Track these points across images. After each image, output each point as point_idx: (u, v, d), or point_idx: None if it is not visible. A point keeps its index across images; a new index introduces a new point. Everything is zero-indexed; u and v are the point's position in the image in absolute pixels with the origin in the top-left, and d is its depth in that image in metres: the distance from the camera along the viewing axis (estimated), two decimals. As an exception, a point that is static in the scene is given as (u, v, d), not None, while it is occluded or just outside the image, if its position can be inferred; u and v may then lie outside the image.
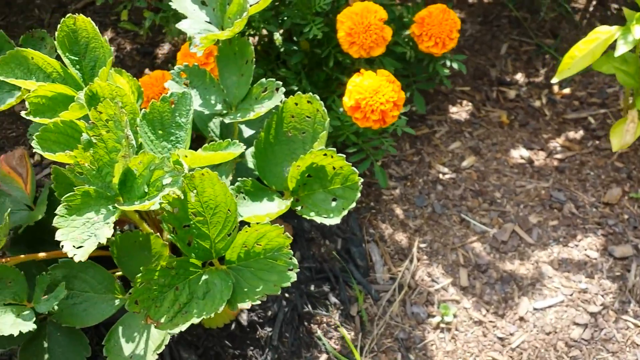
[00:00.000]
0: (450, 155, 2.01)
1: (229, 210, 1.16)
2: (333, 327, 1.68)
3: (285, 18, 1.69)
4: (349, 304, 1.71)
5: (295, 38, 1.77)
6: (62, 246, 1.10)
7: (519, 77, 2.25)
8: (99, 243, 1.08)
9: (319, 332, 1.65)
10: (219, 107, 1.39)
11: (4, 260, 1.43)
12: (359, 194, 1.22)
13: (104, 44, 1.32)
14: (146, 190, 1.12)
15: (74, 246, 1.10)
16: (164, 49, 2.38)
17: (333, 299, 1.71)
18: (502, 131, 2.08)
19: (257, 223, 1.17)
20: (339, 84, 1.81)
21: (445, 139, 2.05)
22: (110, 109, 1.14)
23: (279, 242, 1.18)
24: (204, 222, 1.18)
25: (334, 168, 1.25)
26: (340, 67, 1.81)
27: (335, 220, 1.23)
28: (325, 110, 1.29)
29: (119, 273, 1.48)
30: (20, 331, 1.29)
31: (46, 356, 1.50)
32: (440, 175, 1.96)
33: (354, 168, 1.23)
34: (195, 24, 1.41)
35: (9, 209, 1.42)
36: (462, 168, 1.97)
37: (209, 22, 1.44)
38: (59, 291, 1.37)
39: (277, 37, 1.82)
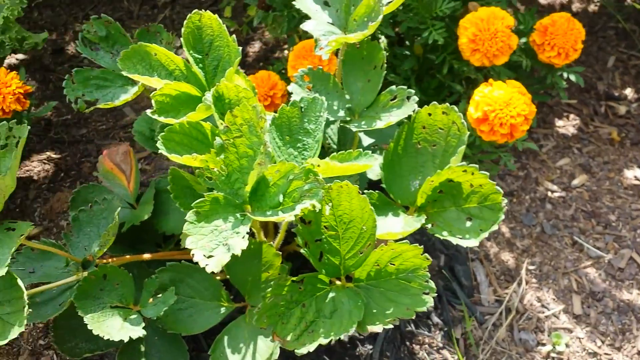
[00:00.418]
0: (558, 172, 1.90)
1: (363, 226, 1.08)
2: (435, 348, 1.59)
3: (402, 21, 1.60)
4: (452, 325, 1.62)
5: (407, 42, 1.68)
6: (193, 255, 1.04)
7: (629, 92, 2.12)
8: (232, 255, 1.01)
9: (422, 353, 1.56)
10: (341, 113, 1.32)
11: (110, 260, 1.39)
12: (502, 216, 1.13)
13: (230, 42, 1.25)
14: (280, 200, 1.05)
15: (204, 255, 1.04)
16: (255, 47, 2.33)
17: (435, 319, 1.62)
18: (613, 149, 1.95)
19: (393, 241, 1.09)
20: (449, 92, 1.72)
21: (553, 154, 1.94)
22: (246, 112, 1.08)
23: (415, 263, 1.10)
24: (336, 237, 1.10)
25: (471, 185, 1.16)
26: (452, 75, 1.72)
27: (472, 243, 1.14)
28: (464, 123, 1.20)
29: (218, 277, 1.42)
30: (130, 337, 1.25)
31: (143, 360, 1.45)
32: (549, 193, 1.85)
33: (497, 187, 1.13)
34: (320, 25, 1.34)
35: (119, 208, 1.38)
36: (572, 187, 1.85)
37: (331, 24, 1.37)
38: (167, 296, 1.32)
39: (383, 40, 1.74)
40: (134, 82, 1.41)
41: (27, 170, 1.93)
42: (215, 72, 1.29)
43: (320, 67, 1.33)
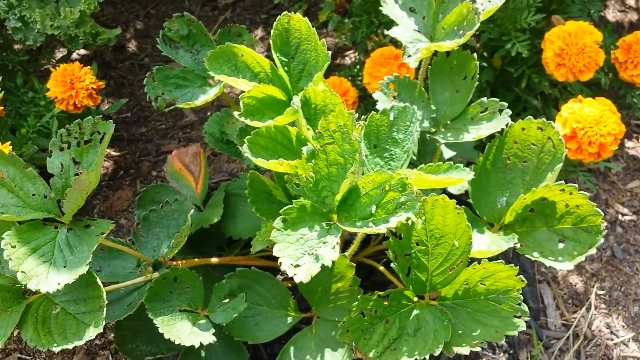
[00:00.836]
0: (629, 195, 1.83)
1: (455, 242, 1.04)
2: (500, 371, 1.53)
3: (482, 32, 1.56)
4: (517, 348, 1.57)
5: (485, 54, 1.64)
6: (281, 263, 1.01)
7: (702, 115, 2.04)
8: (322, 265, 0.98)
9: (488, 376, 1.51)
10: (426, 124, 1.28)
11: (179, 263, 1.36)
12: (600, 239, 1.08)
13: (319, 46, 1.22)
14: (372, 212, 1.01)
15: (291, 264, 1.00)
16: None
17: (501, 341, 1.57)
18: (686, 174, 1.88)
19: (486, 259, 1.04)
20: (524, 106, 1.67)
21: (623, 175, 1.88)
22: (341, 119, 1.05)
23: (508, 284, 1.05)
24: (425, 253, 1.06)
25: (566, 205, 1.11)
26: (527, 89, 1.67)
27: (566, 266, 1.09)
28: (562, 140, 1.15)
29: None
30: (201, 342, 1.22)
31: (203, 366, 1.42)
32: (620, 216, 1.78)
33: (597, 209, 1.08)
34: (407, 32, 1.30)
35: (192, 210, 1.35)
36: (644, 211, 1.79)
37: (417, 31, 1.33)
38: (237, 303, 1.29)
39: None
40: (211, 83, 1.39)
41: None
42: (300, 76, 1.26)
43: (407, 75, 1.29)
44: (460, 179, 1.07)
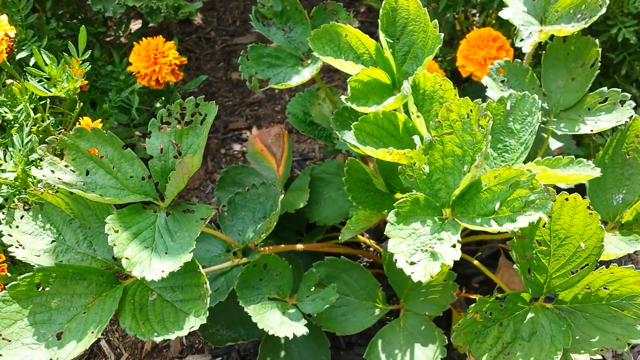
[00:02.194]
0: None
1: (581, 244, 0.98)
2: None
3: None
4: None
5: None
6: (396, 260, 0.95)
7: None
8: (442, 265, 0.92)
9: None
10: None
11: (266, 249, 1.32)
12: None
13: (429, 28, 1.15)
14: (495, 209, 0.95)
15: (406, 262, 0.95)
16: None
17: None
18: None
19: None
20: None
21: None
22: (464, 108, 0.98)
23: (634, 290, 0.99)
24: (546, 254, 1.00)
25: (695, 208, 1.04)
26: (626, 77, 1.58)
27: (694, 272, 1.02)
28: (694, 137, 1.07)
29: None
30: (294, 334, 1.18)
31: (282, 353, 1.39)
32: None
33: None
34: (518, 14, 1.22)
35: (281, 195, 1.31)
36: None
37: (527, 12, 1.25)
38: (328, 293, 1.24)
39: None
40: (304, 63, 1.33)
41: (157, 142, 1.87)
42: (404, 59, 1.20)
43: (519, 60, 1.22)
44: (588, 176, 1.00)
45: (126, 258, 0.99)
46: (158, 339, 1.02)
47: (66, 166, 1.08)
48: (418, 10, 1.17)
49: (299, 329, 1.19)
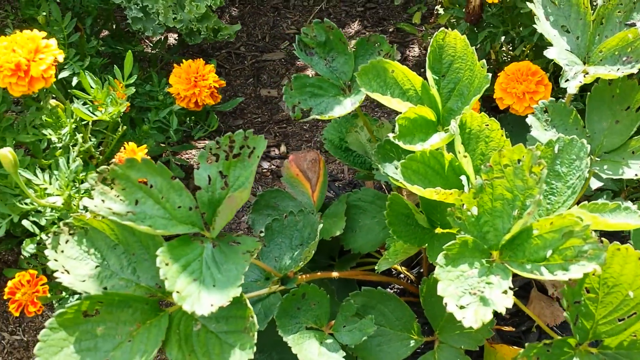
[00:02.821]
0: None
1: (630, 293, 0.98)
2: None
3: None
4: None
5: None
6: (446, 304, 0.96)
7: None
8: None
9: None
10: (578, 153, 1.21)
11: (304, 277, 1.33)
12: None
13: (477, 67, 1.16)
14: (546, 256, 0.96)
15: (456, 305, 0.96)
16: (414, 51, 2.23)
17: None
18: None
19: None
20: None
21: None
22: (517, 154, 0.99)
23: (679, 340, 0.99)
24: (594, 301, 1.01)
25: None
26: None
27: None
28: None
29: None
30: None
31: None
32: None
33: None
34: (562, 53, 1.23)
35: (320, 224, 1.32)
36: None
37: (570, 51, 1.26)
38: (366, 324, 1.25)
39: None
40: (345, 93, 1.34)
41: (188, 158, 1.89)
42: (449, 96, 1.21)
43: (563, 100, 1.22)
44: (636, 225, 1.01)
45: (177, 292, 1.00)
46: (204, 372, 1.03)
47: (117, 196, 1.09)
48: (465, 49, 1.18)
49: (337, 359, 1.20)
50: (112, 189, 1.10)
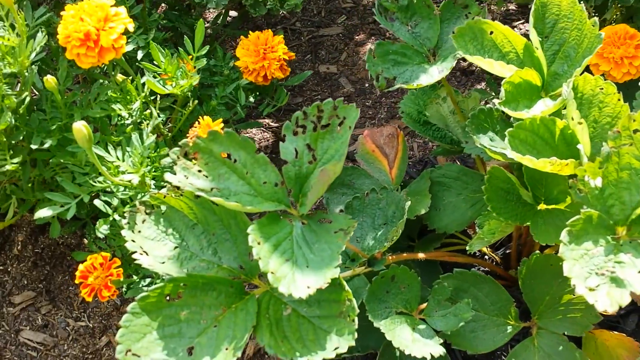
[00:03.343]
0: None
1: None
2: None
3: None
4: None
5: None
6: (574, 286, 0.86)
7: None
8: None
9: None
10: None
11: (389, 258, 1.24)
12: None
13: (586, 26, 1.05)
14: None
15: (586, 288, 0.86)
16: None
17: None
18: None
19: None
20: None
21: None
22: (650, 117, 0.88)
23: None
24: None
25: None
26: None
27: None
28: None
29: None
30: (431, 354, 1.10)
31: (397, 367, 1.31)
32: None
33: None
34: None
35: (407, 202, 1.22)
36: None
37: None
38: (462, 309, 1.16)
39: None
40: (430, 61, 1.24)
41: (249, 137, 1.81)
42: (553, 58, 1.10)
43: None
44: None
45: (271, 272, 0.92)
46: (301, 360, 0.95)
47: (199, 171, 1.01)
48: (572, 7, 1.07)
49: (435, 348, 1.11)
50: (194, 164, 1.02)
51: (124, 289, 1.32)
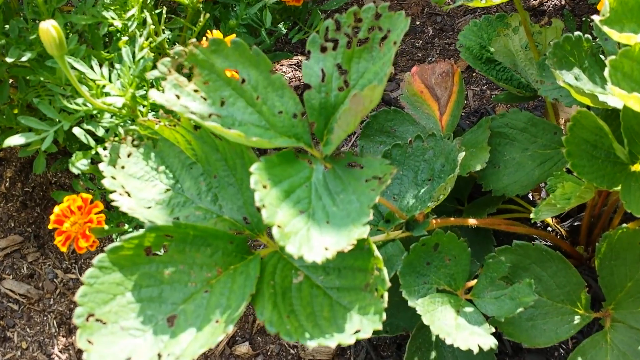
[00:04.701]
0: None
1: None
2: None
3: None
4: None
5: None
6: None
7: None
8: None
9: None
10: None
11: (433, 222, 0.99)
12: None
13: None
14: None
15: None
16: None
17: None
18: None
19: None
20: None
21: None
22: None
23: None
24: None
25: None
26: None
27: None
28: None
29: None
30: (482, 346, 0.86)
31: (433, 354, 1.08)
32: None
33: None
34: None
35: (462, 152, 0.97)
36: None
37: None
38: (522, 291, 0.92)
39: None
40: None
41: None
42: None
43: None
44: None
45: (278, 226, 0.69)
46: (311, 344, 0.72)
47: (196, 91, 0.78)
48: None
49: (485, 339, 0.87)
50: (190, 81, 0.79)
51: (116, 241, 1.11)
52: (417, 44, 1.66)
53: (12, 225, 1.36)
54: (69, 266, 1.32)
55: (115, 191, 0.85)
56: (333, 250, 0.69)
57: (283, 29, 1.33)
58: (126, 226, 1.12)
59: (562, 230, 1.22)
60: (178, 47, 0.77)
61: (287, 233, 0.69)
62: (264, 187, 0.71)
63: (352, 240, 0.69)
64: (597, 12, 1.51)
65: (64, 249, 0.97)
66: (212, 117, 0.77)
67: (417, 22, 1.68)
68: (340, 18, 0.79)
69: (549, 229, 1.23)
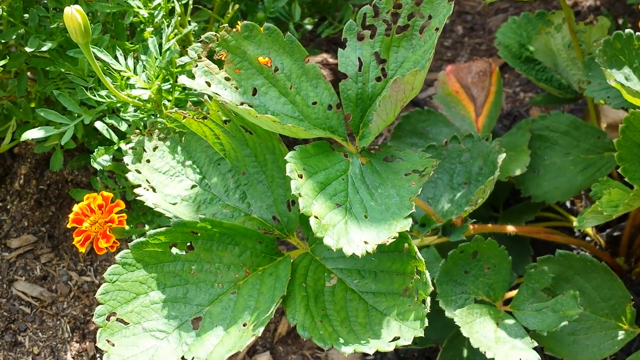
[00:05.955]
0: None
1: None
2: None
3: None
4: None
5: None
6: None
7: None
8: None
9: None
10: None
11: (470, 228, 0.94)
12: None
13: None
14: None
15: None
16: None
17: None
18: None
19: None
20: None
21: None
22: None
23: None
24: None
25: None
26: None
27: None
28: None
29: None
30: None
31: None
32: None
33: None
34: None
35: (502, 154, 0.92)
36: None
37: None
38: (566, 304, 0.85)
39: None
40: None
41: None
42: None
43: None
44: None
45: (315, 217, 0.64)
46: (347, 350, 0.66)
47: (227, 79, 0.74)
48: None
49: (527, 354, 0.81)
50: (221, 68, 0.74)
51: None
52: (445, 43, 1.61)
53: (26, 224, 1.32)
54: (84, 268, 1.28)
55: (139, 185, 0.80)
56: (373, 243, 0.64)
57: (308, 25, 1.29)
58: (146, 227, 1.07)
59: (601, 240, 1.16)
60: (209, 33, 0.72)
61: (324, 225, 0.64)
62: (300, 176, 0.66)
63: (394, 234, 0.64)
64: (635, 12, 1.46)
65: (82, 250, 0.92)
66: (243, 106, 0.72)
67: (446, 21, 1.63)
68: (379, 4, 0.74)
69: (588, 238, 1.17)
